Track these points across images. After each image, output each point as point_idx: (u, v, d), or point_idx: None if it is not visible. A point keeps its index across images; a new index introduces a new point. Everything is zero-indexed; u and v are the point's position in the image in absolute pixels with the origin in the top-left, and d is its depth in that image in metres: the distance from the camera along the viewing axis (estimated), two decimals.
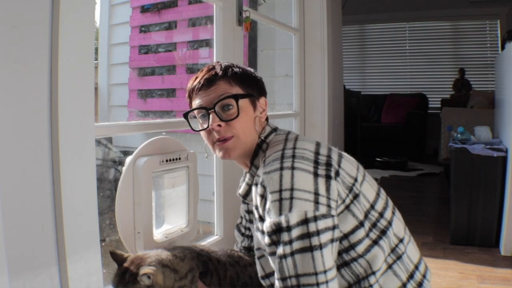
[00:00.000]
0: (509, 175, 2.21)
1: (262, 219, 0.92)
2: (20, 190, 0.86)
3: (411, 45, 6.15)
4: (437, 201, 3.44)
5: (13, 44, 0.83)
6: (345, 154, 1.01)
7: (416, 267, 0.97)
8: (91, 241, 0.99)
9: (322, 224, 0.83)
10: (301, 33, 2.58)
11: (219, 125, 1.00)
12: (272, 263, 0.90)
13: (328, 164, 0.90)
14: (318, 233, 0.83)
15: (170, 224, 1.38)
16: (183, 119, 1.12)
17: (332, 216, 0.86)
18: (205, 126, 1.03)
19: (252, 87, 1.05)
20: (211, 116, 1.01)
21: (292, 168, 0.87)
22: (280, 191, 0.85)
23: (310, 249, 0.82)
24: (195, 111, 1.05)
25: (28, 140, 0.88)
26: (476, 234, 2.36)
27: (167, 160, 1.31)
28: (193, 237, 1.42)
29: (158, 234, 1.35)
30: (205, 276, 1.08)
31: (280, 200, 0.85)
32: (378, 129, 5.50)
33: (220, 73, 1.02)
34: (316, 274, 0.82)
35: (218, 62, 1.07)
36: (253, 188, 0.98)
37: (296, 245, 0.83)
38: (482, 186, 2.33)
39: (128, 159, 1.24)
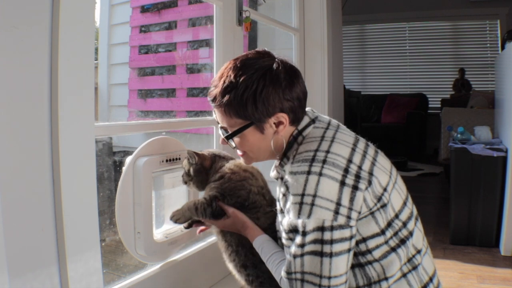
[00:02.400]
0: (509, 175, 2.21)
1: (282, 211, 0.94)
2: (20, 190, 0.86)
3: (411, 45, 6.15)
4: (437, 201, 3.44)
5: (13, 44, 0.83)
6: (380, 157, 0.98)
7: (431, 279, 0.96)
8: (91, 241, 0.99)
9: (337, 234, 0.84)
10: (301, 33, 2.58)
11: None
12: (286, 253, 0.92)
13: (358, 176, 0.88)
14: (331, 242, 0.84)
15: (170, 224, 1.38)
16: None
17: (351, 227, 0.86)
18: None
19: (253, 113, 0.95)
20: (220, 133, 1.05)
21: (320, 174, 0.86)
22: (303, 195, 0.86)
23: (321, 254, 0.84)
24: None
25: (28, 140, 0.88)
26: (476, 234, 2.36)
27: (167, 160, 1.31)
28: (193, 237, 1.42)
29: (158, 234, 1.35)
30: (268, 205, 1.15)
31: (301, 203, 0.86)
32: (378, 129, 5.50)
33: (217, 100, 0.97)
34: (320, 276, 0.84)
35: (228, 74, 0.97)
36: (278, 181, 0.99)
37: (308, 248, 0.85)
38: (482, 186, 2.33)
39: (128, 159, 1.24)
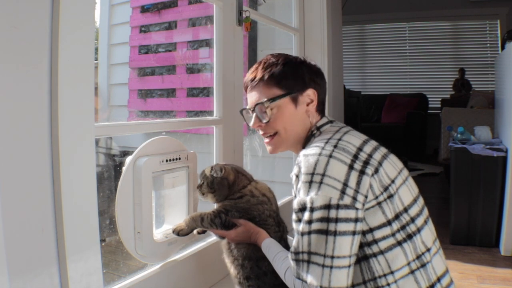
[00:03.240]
0: (509, 175, 2.21)
1: (295, 196, 0.98)
2: (20, 190, 0.86)
3: (411, 45, 6.15)
4: (437, 201, 3.44)
5: (13, 44, 0.83)
6: (391, 156, 1.03)
7: (439, 280, 0.96)
8: (91, 241, 0.99)
9: (343, 213, 0.88)
10: (301, 33, 2.58)
11: (260, 125, 1.12)
12: (295, 234, 0.96)
13: (366, 162, 0.93)
14: (336, 220, 0.88)
15: (170, 224, 1.38)
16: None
17: (356, 209, 0.89)
18: (250, 123, 1.14)
19: (292, 84, 1.08)
20: (253, 116, 1.12)
21: (330, 156, 0.91)
22: (313, 174, 0.91)
23: (326, 232, 0.88)
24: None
25: (28, 140, 0.88)
26: (476, 234, 2.36)
27: (167, 160, 1.31)
28: (193, 237, 1.42)
29: (158, 234, 1.35)
30: (277, 226, 1.19)
31: (311, 182, 0.91)
32: (378, 129, 5.49)
33: (259, 76, 1.09)
34: (324, 256, 0.88)
35: (267, 59, 1.13)
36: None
37: (315, 226, 0.89)
38: (482, 186, 2.33)
39: (128, 159, 1.24)
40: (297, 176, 0.96)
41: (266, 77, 1.08)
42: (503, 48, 4.13)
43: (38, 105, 0.89)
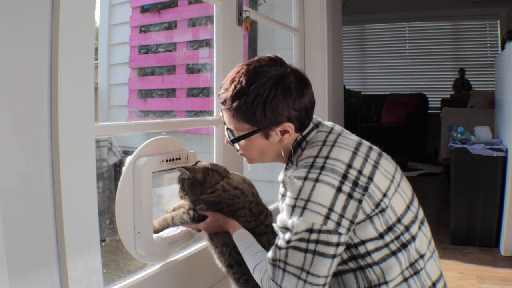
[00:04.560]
0: (509, 175, 2.21)
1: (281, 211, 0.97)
2: (20, 190, 0.86)
3: (411, 45, 6.15)
4: (437, 201, 3.44)
5: (13, 44, 0.83)
6: (383, 160, 0.98)
7: (434, 285, 0.95)
8: (91, 241, 0.99)
9: (323, 237, 0.87)
10: (301, 33, 2.58)
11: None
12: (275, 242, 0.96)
13: (355, 183, 0.89)
14: (316, 242, 0.87)
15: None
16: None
17: (339, 233, 0.87)
18: (225, 140, 1.09)
19: (262, 120, 0.96)
20: (226, 134, 1.06)
21: (316, 180, 0.88)
22: (296, 198, 0.89)
23: (305, 250, 0.88)
24: None
25: (28, 140, 0.88)
26: (476, 234, 2.36)
27: (167, 160, 1.31)
28: (192, 237, 1.42)
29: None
30: (252, 216, 1.20)
31: (294, 206, 0.89)
32: (378, 129, 5.50)
33: (227, 104, 0.98)
34: (301, 269, 0.88)
35: (239, 80, 0.97)
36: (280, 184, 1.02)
37: (293, 243, 0.89)
38: (482, 186, 2.33)
39: (128, 159, 1.24)
40: (283, 195, 0.95)
41: (233, 109, 0.97)
42: (503, 48, 4.13)
43: (38, 105, 0.89)
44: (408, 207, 0.96)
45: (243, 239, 1.11)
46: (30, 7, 0.86)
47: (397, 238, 0.92)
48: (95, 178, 1.00)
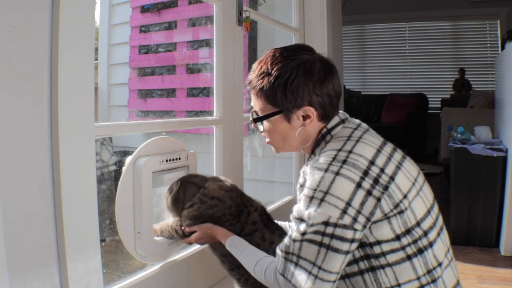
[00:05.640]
0: (509, 175, 2.21)
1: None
2: (20, 190, 0.86)
3: (411, 45, 6.15)
4: (437, 201, 3.44)
5: (13, 44, 0.83)
6: (407, 162, 0.98)
7: None
8: (91, 241, 0.99)
9: (339, 231, 0.86)
10: (301, 33, 2.58)
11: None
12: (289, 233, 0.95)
13: (376, 180, 0.88)
14: (331, 236, 0.86)
15: None
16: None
17: (355, 229, 0.86)
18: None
19: (283, 101, 0.98)
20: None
21: (337, 173, 0.87)
22: (315, 190, 0.88)
23: (319, 244, 0.87)
24: None
25: (28, 140, 0.88)
26: (476, 234, 2.36)
27: (167, 160, 1.31)
28: None
29: None
30: (234, 219, 1.19)
31: (312, 197, 0.88)
32: (378, 129, 5.35)
33: (252, 84, 1.03)
34: (313, 264, 0.87)
35: (265, 61, 1.01)
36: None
37: (308, 236, 0.88)
38: (482, 186, 2.33)
39: (128, 159, 1.24)
40: (302, 186, 0.94)
41: (257, 88, 1.01)
42: (503, 48, 4.13)
43: (38, 105, 0.89)
44: (428, 212, 0.95)
45: (235, 245, 1.11)
46: (30, 7, 0.86)
47: (415, 242, 0.90)
48: (95, 178, 1.00)
